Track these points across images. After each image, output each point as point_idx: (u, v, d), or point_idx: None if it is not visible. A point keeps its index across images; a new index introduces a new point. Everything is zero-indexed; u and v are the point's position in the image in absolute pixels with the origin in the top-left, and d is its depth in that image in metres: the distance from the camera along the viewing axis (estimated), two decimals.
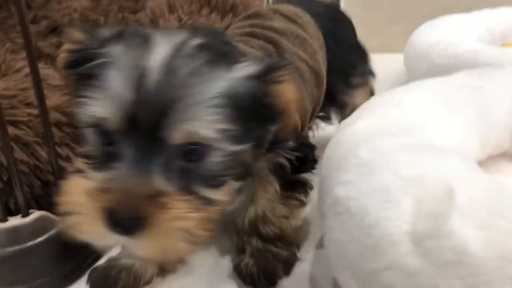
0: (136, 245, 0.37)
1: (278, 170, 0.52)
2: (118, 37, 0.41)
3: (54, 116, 0.66)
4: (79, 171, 0.40)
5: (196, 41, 0.40)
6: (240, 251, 0.55)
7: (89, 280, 0.54)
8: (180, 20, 1.01)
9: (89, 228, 0.37)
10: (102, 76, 0.38)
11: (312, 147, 0.57)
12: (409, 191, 0.37)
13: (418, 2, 1.52)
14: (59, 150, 0.64)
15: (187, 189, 0.38)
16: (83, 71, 0.40)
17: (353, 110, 0.58)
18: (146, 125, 0.37)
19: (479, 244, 0.30)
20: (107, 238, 0.37)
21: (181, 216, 0.37)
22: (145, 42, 0.39)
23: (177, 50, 0.38)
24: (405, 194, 0.37)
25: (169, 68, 0.37)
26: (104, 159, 0.39)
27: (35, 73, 0.58)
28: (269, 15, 0.66)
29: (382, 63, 1.28)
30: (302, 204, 0.56)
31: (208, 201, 0.40)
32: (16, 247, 0.55)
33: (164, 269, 0.55)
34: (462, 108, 0.61)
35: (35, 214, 0.57)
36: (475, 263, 0.30)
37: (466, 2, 1.38)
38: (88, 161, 0.40)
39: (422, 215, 0.35)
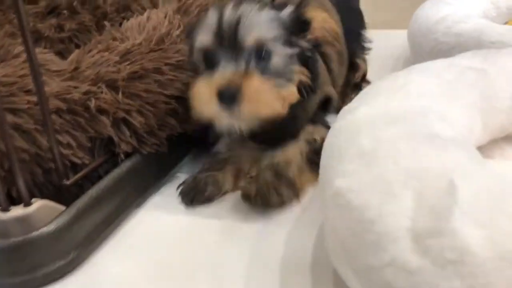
0: (238, 112, 0.57)
1: (310, 142, 0.68)
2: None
3: (54, 103, 0.65)
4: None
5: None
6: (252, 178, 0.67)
7: (179, 192, 0.70)
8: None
9: (207, 105, 0.59)
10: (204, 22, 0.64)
11: None
12: (410, 184, 0.37)
13: None
14: (59, 137, 0.64)
15: (264, 78, 0.60)
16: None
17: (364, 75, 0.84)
18: (228, 38, 0.60)
19: (480, 243, 0.30)
20: (218, 111, 0.59)
21: (263, 85, 0.59)
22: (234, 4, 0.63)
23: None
24: (406, 188, 0.37)
25: (236, 9, 0.62)
26: (208, 67, 0.63)
27: (31, 58, 0.57)
28: None
29: (386, 39, 1.26)
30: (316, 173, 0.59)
31: (279, 85, 0.62)
32: (19, 237, 0.55)
33: (237, 180, 0.70)
34: (466, 92, 0.60)
35: (37, 203, 0.57)
36: (476, 263, 0.30)
37: None
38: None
39: (423, 211, 0.35)
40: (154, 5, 1.08)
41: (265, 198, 0.62)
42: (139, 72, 0.75)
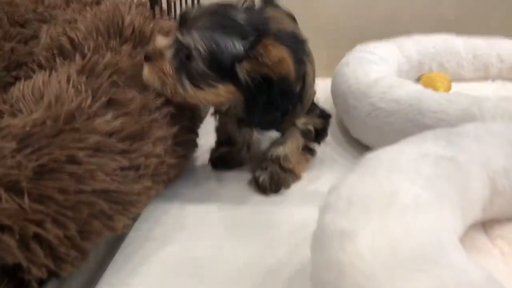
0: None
1: (305, 133, 0.82)
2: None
3: None
4: None
5: None
6: (263, 169, 0.83)
7: (210, 161, 0.91)
8: (83, 56, 0.83)
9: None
10: None
11: (329, 116, 0.87)
12: None
13: (337, 31, 1.49)
14: None
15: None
16: None
17: None
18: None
19: None
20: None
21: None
22: None
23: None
24: None
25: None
26: None
27: None
28: None
29: None
30: (309, 161, 0.87)
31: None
32: None
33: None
34: (447, 189, 0.54)
35: None
36: None
37: (379, 29, 1.38)
38: None
39: None
40: (51, 63, 0.90)
41: (278, 186, 0.82)
42: (48, 165, 0.58)
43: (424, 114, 0.82)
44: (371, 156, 0.59)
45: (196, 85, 0.68)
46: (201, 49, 0.66)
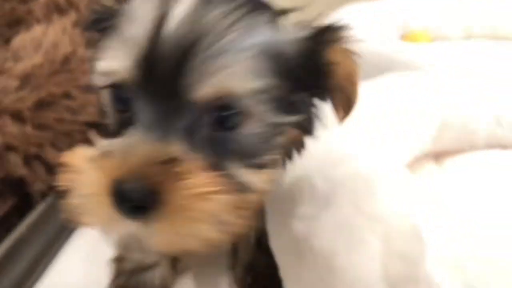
0: (148, 231, 0.28)
1: None
2: None
3: None
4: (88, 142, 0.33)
5: None
6: (248, 270, 0.51)
7: None
8: (78, 12, 0.91)
9: (92, 207, 0.29)
10: (119, 28, 0.32)
11: None
12: (375, 228, 0.37)
13: None
14: None
15: (217, 165, 0.31)
16: (103, 28, 0.35)
17: None
18: (164, 76, 0.29)
19: None
20: (114, 221, 0.29)
21: (205, 192, 0.28)
22: None
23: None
24: (372, 232, 0.37)
25: (196, 9, 0.30)
26: (119, 128, 0.33)
27: None
28: None
29: None
30: None
31: (243, 185, 0.32)
32: None
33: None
34: (394, 119, 0.62)
35: None
36: None
37: None
38: (101, 132, 0.34)
39: (393, 257, 0.35)
40: (48, 17, 0.98)
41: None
42: (46, 99, 0.67)
43: (395, 64, 0.88)
44: None
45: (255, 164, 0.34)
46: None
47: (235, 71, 0.29)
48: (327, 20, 1.10)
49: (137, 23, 0.31)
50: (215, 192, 0.29)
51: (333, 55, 0.35)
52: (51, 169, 0.63)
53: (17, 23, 0.95)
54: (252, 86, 0.30)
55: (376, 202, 0.39)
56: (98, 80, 0.33)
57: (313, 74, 0.34)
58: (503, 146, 0.74)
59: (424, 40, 1.20)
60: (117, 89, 0.33)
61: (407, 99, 0.64)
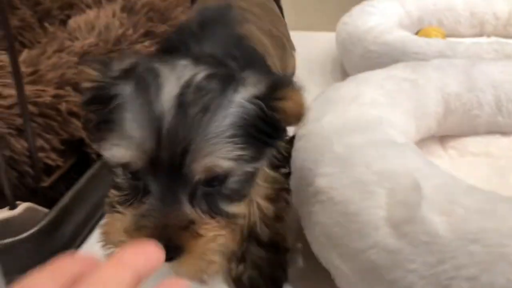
0: (176, 270, 0.41)
1: (272, 164, 0.55)
2: (128, 73, 0.43)
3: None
4: (112, 207, 0.44)
5: (203, 73, 0.42)
6: (239, 260, 0.58)
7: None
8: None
9: None
10: (120, 121, 0.41)
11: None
12: (383, 184, 0.46)
13: None
14: None
15: (213, 210, 0.42)
16: (101, 115, 0.43)
17: None
18: (168, 165, 0.40)
19: (444, 227, 0.40)
20: None
21: (213, 238, 0.41)
22: (155, 81, 0.41)
23: (186, 87, 0.40)
24: (380, 187, 0.46)
25: (181, 107, 0.40)
26: (134, 193, 0.43)
27: (15, 63, 0.58)
28: None
29: (313, 41, 1.37)
30: (288, 204, 0.60)
31: (232, 216, 0.44)
32: (5, 240, 0.57)
33: None
34: (403, 100, 0.71)
35: (22, 206, 0.59)
36: (443, 242, 0.40)
37: None
38: (119, 194, 0.44)
39: (396, 204, 0.44)
40: (98, 3, 1.08)
41: (279, 280, 0.58)
42: None
43: (407, 55, 0.97)
44: (351, 77, 0.76)
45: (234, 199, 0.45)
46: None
47: (215, 156, 0.40)
48: (349, 13, 1.17)
49: (136, 125, 0.40)
50: (219, 233, 0.42)
51: (283, 104, 0.44)
52: None
53: (69, 6, 1.05)
54: (230, 159, 0.41)
55: (385, 163, 0.49)
56: (109, 159, 0.42)
57: (270, 121, 0.44)
58: (503, 133, 0.83)
59: (438, 36, 1.28)
60: (128, 168, 0.42)
61: (414, 83, 0.72)
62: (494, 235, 0.38)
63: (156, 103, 0.40)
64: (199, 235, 0.40)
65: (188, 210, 0.41)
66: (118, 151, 0.41)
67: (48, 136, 0.68)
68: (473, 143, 0.81)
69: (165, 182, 0.40)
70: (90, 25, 0.91)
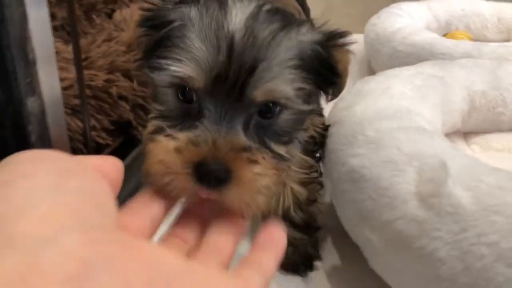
0: (219, 198, 0.37)
1: (305, 149, 0.54)
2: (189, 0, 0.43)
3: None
4: (156, 132, 0.41)
5: (267, 6, 0.43)
6: None
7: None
8: None
9: (176, 182, 0.37)
10: (183, 38, 0.40)
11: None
12: (412, 163, 0.51)
13: None
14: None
15: (262, 144, 0.41)
16: (160, 33, 0.43)
17: None
18: (231, 84, 0.39)
19: (468, 201, 0.44)
20: (194, 192, 0.37)
21: (263, 171, 0.39)
22: (221, 7, 0.41)
23: (254, 15, 0.41)
24: (409, 166, 0.51)
25: (250, 31, 0.40)
26: (183, 118, 0.41)
27: (77, 50, 0.64)
28: None
29: None
30: (322, 187, 0.62)
31: (278, 157, 0.43)
32: None
33: None
34: (431, 95, 0.75)
35: None
36: (466, 213, 0.44)
37: None
38: (165, 121, 0.41)
39: (425, 181, 0.48)
40: None
41: (312, 258, 0.64)
42: None
43: (434, 56, 1.01)
44: (380, 72, 0.80)
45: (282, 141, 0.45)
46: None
47: (280, 81, 0.41)
48: (377, 15, 1.22)
49: (204, 42, 0.39)
50: (269, 168, 0.40)
51: (337, 53, 0.46)
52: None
53: (113, 1, 1.12)
54: (289, 90, 0.41)
55: (414, 145, 0.53)
56: (163, 78, 0.41)
57: (327, 70, 0.46)
58: None
59: (465, 39, 1.31)
60: (183, 87, 0.41)
61: (442, 80, 0.76)
62: None
63: (224, 24, 0.40)
64: (252, 162, 0.38)
65: (242, 136, 0.39)
66: (181, 66, 0.39)
67: (99, 116, 0.74)
68: (496, 139, 0.85)
69: (223, 104, 0.39)
70: (135, 18, 0.97)
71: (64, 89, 0.73)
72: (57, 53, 0.80)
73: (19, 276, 0.19)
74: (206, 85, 0.39)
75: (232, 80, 0.39)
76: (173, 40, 0.41)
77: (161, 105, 0.43)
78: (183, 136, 0.38)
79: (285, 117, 0.43)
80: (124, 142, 0.78)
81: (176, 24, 0.42)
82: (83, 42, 0.89)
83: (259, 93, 0.40)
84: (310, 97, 0.45)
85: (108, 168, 0.29)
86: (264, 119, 0.42)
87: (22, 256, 0.20)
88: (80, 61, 0.65)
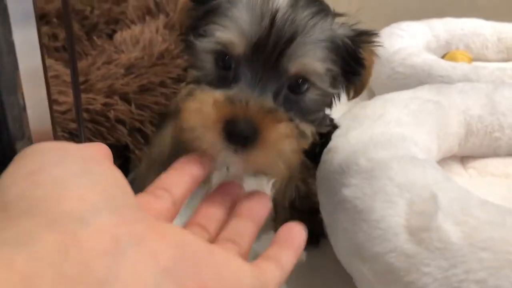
0: (244, 158, 0.40)
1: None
2: None
3: None
4: (192, 94, 0.45)
5: None
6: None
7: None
8: (167, 15, 1.09)
9: (207, 135, 0.39)
10: (230, 9, 0.44)
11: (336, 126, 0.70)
12: (403, 195, 0.51)
13: (372, 8, 1.67)
14: None
15: (288, 117, 0.44)
16: (210, 4, 0.47)
17: None
18: (268, 53, 0.43)
19: (457, 236, 0.44)
20: (220, 148, 0.39)
21: (287, 135, 0.41)
22: None
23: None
24: (401, 197, 0.51)
25: (291, 10, 0.44)
26: (219, 83, 0.45)
27: (74, 73, 0.65)
28: None
29: None
30: None
31: (301, 133, 0.46)
32: None
33: None
34: (427, 120, 0.75)
35: None
36: (455, 249, 0.44)
37: (416, 10, 1.56)
38: (200, 86, 0.46)
39: (415, 213, 0.49)
40: (142, 20, 1.16)
41: (317, 234, 0.67)
42: (147, 85, 0.84)
43: (433, 78, 1.02)
44: (377, 96, 0.80)
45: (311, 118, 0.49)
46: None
47: (312, 57, 0.45)
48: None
49: (248, 12, 0.44)
50: (292, 137, 0.42)
51: (364, 51, 0.52)
52: (148, 140, 0.80)
53: (114, 21, 1.14)
54: (320, 67, 0.46)
55: (406, 176, 0.53)
56: (206, 44, 0.46)
57: (353, 62, 0.51)
58: None
59: (465, 60, 1.31)
60: (223, 54, 0.45)
61: (438, 105, 0.77)
62: (502, 244, 0.43)
63: (270, 1, 0.44)
64: (278, 121, 0.41)
65: (271, 101, 0.43)
66: (224, 32, 0.44)
67: (96, 140, 0.75)
68: (493, 164, 0.84)
69: (258, 71, 0.43)
70: (135, 40, 0.98)
71: (63, 113, 0.74)
72: (57, 76, 0.82)
73: (62, 250, 0.22)
74: (246, 51, 0.43)
75: (270, 49, 0.43)
76: (221, 10, 0.45)
77: (199, 71, 0.48)
78: (220, 93, 0.42)
79: (311, 96, 0.47)
80: (121, 165, 0.78)
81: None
82: (83, 63, 0.90)
83: (293, 65, 0.44)
84: (336, 81, 0.49)
85: (106, 152, 0.32)
86: (293, 94, 0.46)
87: (63, 233, 0.23)
88: (77, 85, 0.66)
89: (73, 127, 0.73)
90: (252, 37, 0.43)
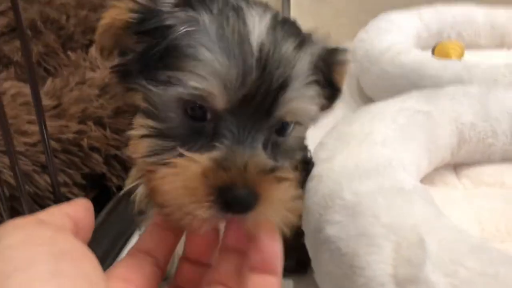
0: (244, 224, 0.34)
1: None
2: (201, 2, 0.39)
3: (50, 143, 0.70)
4: (156, 154, 0.37)
5: (278, 16, 0.40)
6: None
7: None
8: None
9: (199, 212, 0.33)
10: (198, 49, 0.36)
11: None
12: (389, 237, 0.48)
13: None
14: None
15: (276, 161, 0.39)
16: (166, 41, 0.38)
17: None
18: (258, 103, 0.36)
19: None
20: (216, 223, 0.35)
21: (292, 187, 0.36)
22: (239, 15, 0.37)
23: (273, 27, 0.38)
24: (386, 240, 0.48)
25: (273, 47, 0.37)
26: (190, 137, 0.37)
27: (38, 102, 0.60)
28: None
29: None
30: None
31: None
32: None
33: None
34: (416, 134, 0.72)
35: None
36: None
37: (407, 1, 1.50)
38: (165, 141, 0.37)
39: (402, 260, 0.45)
40: None
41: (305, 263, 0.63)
42: (122, 107, 0.80)
43: (423, 78, 0.98)
44: (365, 108, 0.77)
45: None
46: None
47: (307, 99, 0.40)
48: (365, 29, 1.18)
49: (224, 55, 0.36)
50: (294, 192, 0.37)
51: (337, 73, 0.47)
52: (126, 167, 0.76)
53: (91, 31, 1.09)
54: (315, 108, 0.41)
55: (392, 213, 0.50)
56: (172, 93, 0.37)
57: (329, 81, 0.46)
58: None
59: (456, 51, 1.27)
60: (193, 103, 0.37)
61: (428, 115, 0.73)
62: None
63: (246, 36, 0.36)
64: (282, 180, 0.36)
65: (264, 155, 0.37)
66: (201, 83, 0.35)
67: (70, 171, 0.71)
68: (488, 172, 0.81)
69: (247, 124, 0.36)
70: None
71: (33, 145, 0.70)
72: (27, 103, 0.77)
73: None
74: (231, 104, 0.36)
75: (260, 99, 0.36)
76: (183, 49, 0.37)
77: (161, 123, 0.38)
78: (205, 159, 0.35)
79: (296, 134, 0.42)
80: (97, 195, 0.75)
81: (181, 30, 0.37)
82: (56, 84, 0.86)
83: (287, 111, 0.38)
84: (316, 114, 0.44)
85: (80, 214, 0.30)
86: (279, 136, 0.40)
87: None
88: (42, 115, 0.60)
89: (44, 160, 0.69)
90: (237, 88, 0.36)
